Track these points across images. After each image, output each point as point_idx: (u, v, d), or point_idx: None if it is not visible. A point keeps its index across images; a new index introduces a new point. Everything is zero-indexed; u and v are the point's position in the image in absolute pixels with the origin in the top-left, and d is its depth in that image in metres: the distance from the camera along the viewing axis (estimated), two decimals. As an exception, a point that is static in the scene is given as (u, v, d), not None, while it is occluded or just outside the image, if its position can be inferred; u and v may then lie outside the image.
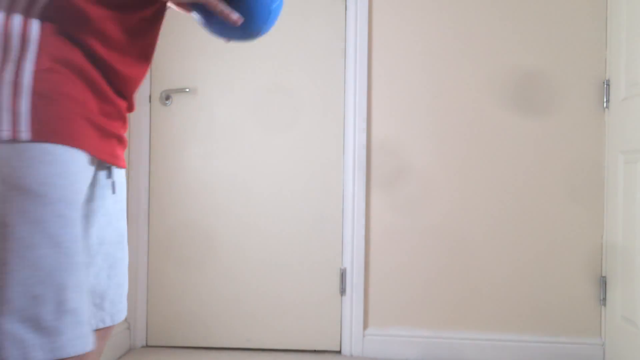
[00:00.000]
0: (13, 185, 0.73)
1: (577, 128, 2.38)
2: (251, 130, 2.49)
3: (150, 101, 2.54)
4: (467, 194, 2.43)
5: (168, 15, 2.54)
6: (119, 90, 0.92)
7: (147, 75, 2.54)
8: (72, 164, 0.79)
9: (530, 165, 2.40)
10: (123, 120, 0.95)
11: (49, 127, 0.77)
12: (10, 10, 0.80)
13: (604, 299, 2.34)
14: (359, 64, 2.45)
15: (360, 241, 2.45)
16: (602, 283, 2.35)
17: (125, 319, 2.51)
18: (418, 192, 2.44)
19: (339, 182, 2.46)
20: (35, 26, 0.80)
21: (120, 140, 0.95)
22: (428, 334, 2.44)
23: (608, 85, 2.34)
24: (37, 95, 0.77)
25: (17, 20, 0.79)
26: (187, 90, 2.51)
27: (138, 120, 2.52)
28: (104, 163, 0.93)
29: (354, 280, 2.45)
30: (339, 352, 2.45)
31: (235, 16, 0.91)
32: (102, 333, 0.98)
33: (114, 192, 0.97)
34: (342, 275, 2.46)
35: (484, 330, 2.42)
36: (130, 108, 0.99)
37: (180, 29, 2.53)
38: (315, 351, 2.46)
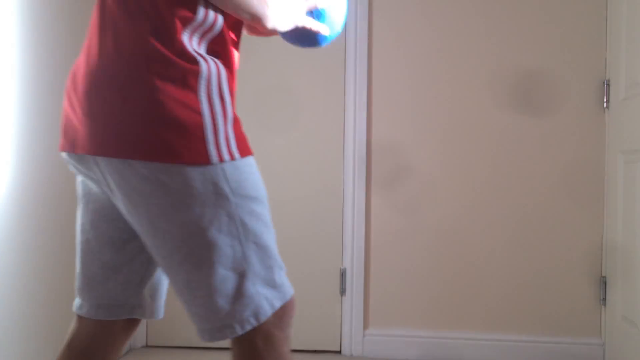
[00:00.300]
0: (241, 195, 1.00)
1: (577, 128, 2.38)
2: (251, 130, 2.49)
3: (150, 101, 2.53)
4: (467, 193, 2.43)
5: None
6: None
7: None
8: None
9: (530, 165, 2.40)
10: None
11: (244, 145, 1.03)
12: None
13: (604, 299, 2.34)
14: (359, 63, 2.45)
15: (360, 241, 2.45)
16: (602, 283, 2.35)
17: (125, 319, 2.51)
18: (418, 192, 2.44)
19: (339, 182, 2.45)
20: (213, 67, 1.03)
21: None
22: (428, 334, 2.44)
23: (608, 85, 2.34)
24: (233, 121, 1.02)
25: (212, 66, 1.02)
26: (187, 90, 2.51)
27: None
28: None
29: (354, 281, 2.45)
30: (339, 352, 2.45)
31: (324, 29, 1.17)
32: None
33: None
34: (342, 275, 2.46)
35: (484, 330, 2.42)
36: None
37: (180, 29, 2.53)
38: (315, 351, 2.46)
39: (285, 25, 1.14)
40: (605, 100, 2.35)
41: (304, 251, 2.49)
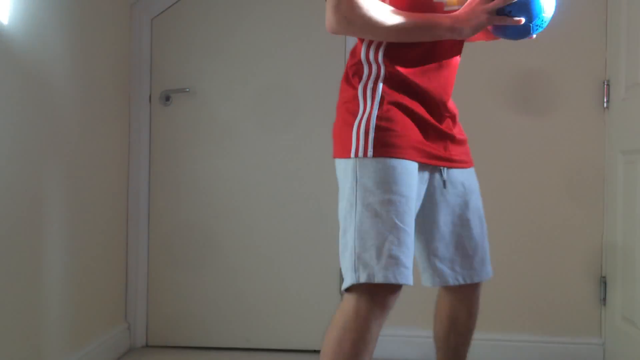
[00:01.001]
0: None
1: (577, 128, 2.38)
2: (251, 130, 2.49)
3: (150, 101, 2.54)
4: (467, 194, 2.42)
5: (168, 16, 2.54)
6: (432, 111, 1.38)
7: (147, 75, 2.54)
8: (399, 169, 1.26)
9: (530, 165, 2.40)
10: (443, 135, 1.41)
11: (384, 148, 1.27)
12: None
13: (604, 299, 2.34)
14: (359, 64, 2.45)
15: (360, 241, 2.44)
16: (602, 283, 2.35)
17: (125, 319, 2.51)
18: (418, 192, 2.44)
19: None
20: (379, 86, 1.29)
21: (446, 148, 1.41)
22: (428, 334, 2.44)
23: (608, 85, 2.34)
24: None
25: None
26: (187, 90, 2.51)
27: (138, 120, 2.52)
28: (431, 166, 1.36)
29: (354, 280, 2.45)
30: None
31: (522, 20, 1.27)
32: (466, 288, 1.53)
33: (444, 187, 1.39)
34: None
35: (484, 330, 2.41)
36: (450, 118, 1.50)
37: (181, 29, 2.53)
38: (315, 351, 2.46)
39: (473, 30, 1.30)
40: (605, 100, 2.35)
41: (304, 251, 2.49)
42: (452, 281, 1.49)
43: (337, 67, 2.48)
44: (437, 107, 1.40)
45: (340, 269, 2.47)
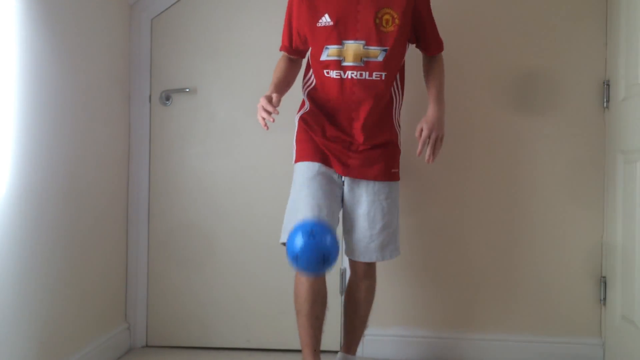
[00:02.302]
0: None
1: (577, 128, 2.38)
2: (251, 130, 2.48)
3: (150, 101, 2.54)
4: (467, 193, 2.43)
5: (168, 16, 2.54)
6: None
7: (147, 75, 2.54)
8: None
9: (530, 165, 2.40)
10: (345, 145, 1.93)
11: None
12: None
13: (604, 299, 2.34)
14: (359, 64, 2.44)
15: (360, 241, 2.44)
16: (602, 283, 2.35)
17: (125, 319, 2.51)
18: (418, 191, 2.44)
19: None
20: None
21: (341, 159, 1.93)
22: (428, 334, 2.44)
23: (608, 85, 2.34)
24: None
25: None
26: (187, 90, 2.51)
27: (138, 120, 2.52)
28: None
29: (354, 280, 2.45)
30: (339, 351, 2.45)
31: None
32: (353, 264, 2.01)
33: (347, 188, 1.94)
34: (342, 275, 2.46)
35: (484, 330, 2.42)
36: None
37: (181, 29, 2.53)
38: (315, 351, 2.46)
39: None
40: (605, 100, 2.35)
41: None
42: (349, 255, 1.98)
43: (337, 67, 2.48)
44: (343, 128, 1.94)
45: (340, 269, 2.48)
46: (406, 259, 2.45)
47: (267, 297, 2.51)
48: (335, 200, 1.90)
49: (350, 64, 1.84)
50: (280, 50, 2.03)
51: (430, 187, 2.44)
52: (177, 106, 2.53)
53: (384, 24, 1.83)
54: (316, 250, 1.54)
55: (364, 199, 1.91)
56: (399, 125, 2.04)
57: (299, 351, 2.49)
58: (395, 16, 1.84)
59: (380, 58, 1.84)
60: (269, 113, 1.70)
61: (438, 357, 2.41)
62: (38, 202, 1.80)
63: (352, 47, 1.83)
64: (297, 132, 1.99)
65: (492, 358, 2.38)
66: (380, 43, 1.83)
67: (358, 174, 1.90)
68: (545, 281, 2.39)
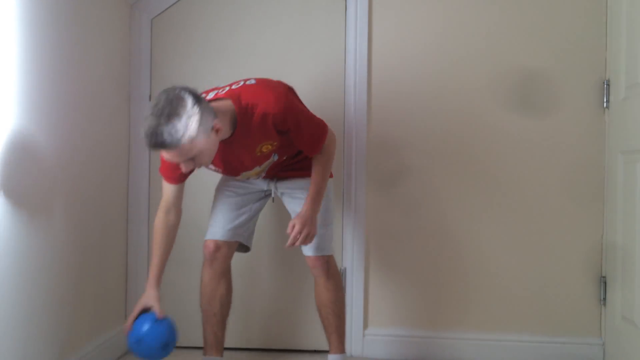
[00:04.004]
0: None
1: (577, 128, 2.38)
2: (251, 130, 2.48)
3: (150, 101, 2.53)
4: (467, 193, 2.43)
5: (168, 16, 2.54)
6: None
7: (147, 75, 2.54)
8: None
9: (530, 165, 2.40)
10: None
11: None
12: None
13: (604, 299, 2.34)
14: (358, 63, 2.45)
15: (360, 241, 2.45)
16: (602, 283, 2.35)
17: (125, 319, 2.51)
18: (418, 191, 2.44)
19: (339, 182, 2.45)
20: None
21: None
22: (428, 334, 2.44)
23: (608, 85, 2.34)
24: None
25: None
26: (187, 90, 2.51)
27: (138, 120, 2.52)
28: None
29: (354, 280, 2.45)
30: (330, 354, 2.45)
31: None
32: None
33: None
34: (342, 275, 2.46)
35: (484, 330, 2.42)
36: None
37: (181, 29, 2.53)
38: (315, 351, 2.46)
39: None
40: (605, 100, 2.35)
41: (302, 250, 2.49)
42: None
43: (337, 67, 2.49)
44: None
45: (340, 268, 2.47)
46: (406, 259, 2.45)
47: (267, 297, 2.51)
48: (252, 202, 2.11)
49: (254, 178, 2.05)
50: (167, 181, 1.92)
51: (429, 187, 2.44)
52: (177, 106, 2.53)
53: (264, 150, 1.86)
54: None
55: (292, 197, 2.07)
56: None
57: (298, 351, 2.50)
58: (274, 142, 1.84)
59: (275, 158, 1.95)
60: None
61: (437, 357, 2.41)
62: (38, 203, 1.80)
63: (249, 173, 1.97)
64: None
65: (492, 358, 2.38)
66: (268, 157, 1.91)
67: (282, 175, 2.07)
68: (545, 281, 2.39)
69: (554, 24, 2.41)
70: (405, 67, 2.45)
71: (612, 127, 2.31)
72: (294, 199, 2.06)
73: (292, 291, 2.51)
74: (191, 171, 1.83)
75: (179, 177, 1.89)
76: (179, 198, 1.95)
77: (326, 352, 2.21)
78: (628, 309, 2.15)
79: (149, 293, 1.89)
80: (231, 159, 1.88)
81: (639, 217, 2.07)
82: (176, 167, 1.78)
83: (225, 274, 2.11)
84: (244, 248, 2.16)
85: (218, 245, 2.06)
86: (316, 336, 2.44)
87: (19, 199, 1.71)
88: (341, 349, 2.12)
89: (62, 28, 1.94)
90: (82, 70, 2.09)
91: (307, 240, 1.89)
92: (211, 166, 1.93)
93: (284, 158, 2.00)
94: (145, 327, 1.78)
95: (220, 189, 2.12)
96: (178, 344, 2.52)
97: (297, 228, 1.87)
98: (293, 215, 2.06)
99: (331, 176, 2.06)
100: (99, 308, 2.25)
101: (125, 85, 2.49)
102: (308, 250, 2.05)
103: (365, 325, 2.46)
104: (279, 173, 2.07)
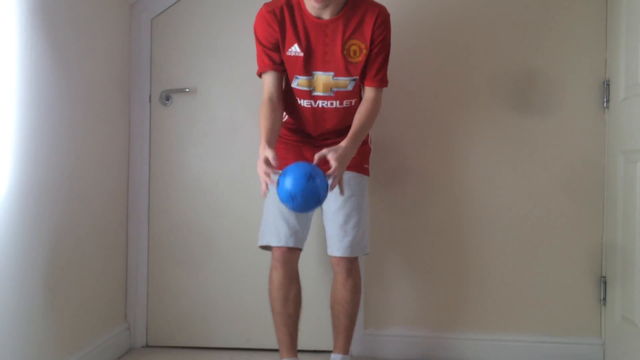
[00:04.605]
0: None
1: (577, 128, 2.38)
2: (251, 130, 2.48)
3: (150, 101, 2.54)
4: (467, 193, 2.43)
5: (168, 16, 2.54)
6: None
7: (147, 75, 2.54)
8: None
9: (530, 165, 2.40)
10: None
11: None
12: None
13: (604, 299, 2.34)
14: (359, 64, 2.44)
15: (360, 241, 2.44)
16: (602, 283, 2.35)
17: (125, 319, 2.51)
18: (418, 191, 2.44)
19: (339, 182, 2.45)
20: None
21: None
22: (428, 334, 2.44)
23: (608, 85, 2.34)
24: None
25: None
26: (187, 90, 2.51)
27: (138, 120, 2.52)
28: None
29: (354, 280, 2.45)
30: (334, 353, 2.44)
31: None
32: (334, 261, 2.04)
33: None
34: (342, 275, 2.46)
35: (484, 330, 2.42)
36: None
37: (181, 29, 2.53)
38: (315, 351, 2.46)
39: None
40: (605, 100, 2.35)
41: (304, 251, 2.48)
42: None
43: (337, 67, 2.48)
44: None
45: (340, 269, 2.47)
46: (406, 259, 2.45)
47: (267, 297, 2.50)
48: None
49: (321, 94, 1.90)
50: (262, 71, 1.92)
51: (430, 187, 2.44)
52: (177, 106, 2.53)
53: (351, 54, 1.85)
54: (314, 194, 1.63)
55: (338, 194, 1.87)
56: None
57: (299, 351, 2.49)
58: (363, 47, 1.86)
59: (350, 87, 1.89)
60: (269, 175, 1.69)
61: (438, 357, 2.41)
62: (38, 202, 1.80)
63: (321, 78, 1.87)
64: None
65: (492, 358, 2.38)
66: (348, 73, 1.87)
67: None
68: (545, 281, 2.39)
69: (554, 24, 2.41)
70: (405, 67, 2.45)
71: (612, 127, 2.31)
72: (347, 202, 1.96)
73: (292, 291, 2.51)
74: (281, 62, 1.89)
75: (272, 65, 1.89)
76: (278, 87, 1.92)
77: (327, 352, 2.21)
78: (628, 309, 2.15)
79: (266, 152, 1.73)
80: (319, 45, 1.85)
81: (639, 217, 2.07)
82: (268, 54, 1.88)
83: (296, 275, 2.06)
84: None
85: (289, 248, 2.00)
86: (316, 336, 2.44)
87: (19, 199, 1.71)
88: (345, 350, 2.08)
89: (62, 28, 1.94)
90: (82, 70, 2.09)
91: (333, 183, 1.70)
92: (294, 48, 1.86)
93: (353, 107, 1.92)
94: (300, 185, 1.61)
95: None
96: (181, 344, 2.53)
97: (335, 165, 1.69)
98: (326, 216, 2.02)
99: (367, 173, 2.05)
100: (99, 308, 2.25)
101: (125, 85, 2.49)
102: (340, 250, 1.98)
103: (365, 325, 2.46)
104: (328, 137, 1.98)
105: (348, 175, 1.94)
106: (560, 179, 2.38)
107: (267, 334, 2.51)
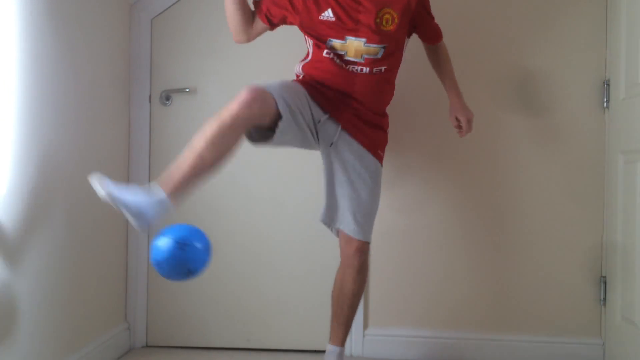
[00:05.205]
0: None
1: (577, 128, 2.38)
2: (251, 130, 2.48)
3: (150, 101, 2.54)
4: (467, 193, 2.43)
5: (168, 16, 2.54)
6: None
7: (147, 75, 2.54)
8: None
9: (530, 165, 2.40)
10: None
11: None
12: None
13: (604, 299, 2.34)
14: (359, 64, 2.44)
15: (360, 241, 2.44)
16: (602, 283, 2.35)
17: (125, 319, 2.51)
18: (418, 191, 2.44)
19: (339, 182, 2.45)
20: None
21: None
22: (428, 334, 2.44)
23: (608, 85, 2.34)
24: None
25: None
26: (187, 90, 2.51)
27: (138, 120, 2.52)
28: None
29: (354, 280, 2.45)
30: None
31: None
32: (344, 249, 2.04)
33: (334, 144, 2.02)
34: (342, 275, 2.46)
35: (484, 330, 2.42)
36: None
37: (181, 29, 2.53)
38: (315, 351, 2.46)
39: None
40: (605, 100, 2.35)
41: (304, 251, 2.49)
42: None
43: (337, 67, 2.48)
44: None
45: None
46: (406, 259, 2.45)
47: (267, 297, 2.51)
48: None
49: (352, 59, 1.91)
50: (258, 15, 2.03)
51: (430, 187, 2.44)
52: (177, 106, 2.53)
53: (384, 23, 1.89)
54: (182, 264, 1.46)
55: (350, 166, 1.96)
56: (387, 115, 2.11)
57: (298, 351, 2.49)
58: (395, 16, 1.90)
59: (379, 55, 1.91)
60: None
61: (438, 357, 2.41)
62: (38, 202, 1.80)
63: (353, 43, 1.89)
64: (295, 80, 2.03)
65: (492, 358, 2.38)
66: (380, 41, 1.89)
67: (352, 130, 1.95)
68: (545, 281, 2.39)
69: (554, 24, 2.41)
70: (405, 67, 2.45)
71: (612, 127, 2.31)
72: (359, 179, 1.96)
73: (292, 291, 2.51)
74: (277, 23, 2.02)
75: (268, 18, 2.00)
76: (253, 30, 2.06)
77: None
78: (628, 309, 2.15)
79: None
80: (351, 7, 1.88)
81: (639, 217, 2.07)
82: (271, 9, 1.96)
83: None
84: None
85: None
86: (316, 336, 2.44)
87: (19, 199, 1.71)
88: (343, 343, 2.08)
89: (62, 28, 1.94)
90: (82, 70, 2.09)
91: (471, 126, 2.09)
92: (327, 13, 1.91)
93: (382, 74, 1.95)
94: (166, 251, 1.47)
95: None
96: (181, 344, 2.53)
97: (466, 118, 2.08)
98: (340, 202, 1.99)
99: (381, 162, 2.03)
100: (99, 308, 2.25)
101: (126, 86, 2.49)
102: (355, 232, 1.96)
103: (365, 325, 2.46)
104: (358, 114, 1.96)
105: (363, 159, 1.97)
106: (560, 179, 2.38)
107: (267, 334, 2.52)
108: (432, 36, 2.11)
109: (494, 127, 2.41)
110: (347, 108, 1.94)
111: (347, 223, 1.97)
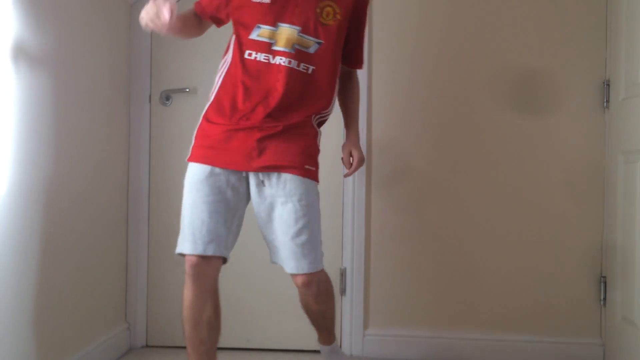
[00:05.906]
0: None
1: (577, 128, 2.38)
2: (251, 130, 2.48)
3: (150, 101, 2.54)
4: (467, 193, 2.43)
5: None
6: None
7: (147, 75, 2.54)
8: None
9: (530, 165, 2.40)
10: None
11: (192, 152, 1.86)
12: None
13: (604, 299, 2.34)
14: (359, 64, 2.44)
15: (360, 241, 2.44)
16: (602, 283, 2.35)
17: (125, 319, 2.51)
18: (418, 191, 2.44)
19: (339, 182, 2.45)
20: None
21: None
22: (428, 334, 2.44)
23: (608, 85, 2.34)
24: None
25: None
26: (187, 90, 2.51)
27: (138, 120, 2.52)
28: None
29: (354, 280, 2.45)
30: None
31: None
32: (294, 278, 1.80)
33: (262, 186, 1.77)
34: (342, 275, 2.46)
35: (484, 330, 2.42)
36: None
37: (180, 29, 2.53)
38: (315, 351, 2.46)
39: None
40: (605, 100, 2.35)
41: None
42: (279, 263, 1.82)
43: (337, 67, 2.48)
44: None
45: (340, 268, 2.48)
46: (406, 259, 2.45)
47: (267, 297, 2.51)
48: (229, 214, 1.75)
49: (281, 49, 1.69)
50: (195, 9, 1.86)
51: (430, 187, 2.44)
52: (177, 106, 2.53)
53: (324, 15, 1.72)
54: None
55: (273, 202, 1.73)
56: (318, 127, 1.86)
57: (299, 351, 2.49)
58: (338, 11, 1.74)
59: (311, 50, 1.71)
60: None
61: (438, 357, 2.41)
62: (38, 202, 1.80)
63: (286, 31, 1.69)
64: (198, 128, 1.82)
65: (492, 358, 2.38)
66: (316, 34, 1.71)
67: (267, 161, 1.70)
68: (545, 281, 2.39)
69: (554, 24, 2.41)
70: (405, 67, 2.45)
71: (612, 127, 2.31)
72: (289, 203, 1.71)
73: (291, 291, 2.51)
74: (215, 19, 1.83)
75: (207, 12, 1.83)
76: (187, 21, 1.85)
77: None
78: (628, 309, 2.15)
79: None
80: None
81: (639, 217, 2.07)
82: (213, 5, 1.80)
83: (214, 290, 1.78)
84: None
85: (204, 258, 1.73)
86: (316, 336, 2.44)
87: (19, 199, 1.71)
88: (331, 340, 2.02)
89: (62, 28, 1.94)
90: (82, 70, 2.09)
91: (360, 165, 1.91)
92: None
93: (309, 75, 1.72)
94: None
95: (196, 184, 1.77)
96: (181, 344, 2.53)
97: (358, 157, 1.89)
98: (276, 228, 1.76)
99: (314, 178, 1.79)
100: (99, 308, 2.25)
101: (125, 85, 2.49)
102: (297, 269, 1.73)
103: (366, 325, 2.46)
104: (279, 120, 1.71)
105: (286, 187, 1.71)
106: (560, 179, 2.38)
107: (267, 334, 2.52)
108: (355, 59, 1.89)
109: (494, 127, 2.41)
110: (255, 137, 1.70)
111: (286, 262, 1.75)
